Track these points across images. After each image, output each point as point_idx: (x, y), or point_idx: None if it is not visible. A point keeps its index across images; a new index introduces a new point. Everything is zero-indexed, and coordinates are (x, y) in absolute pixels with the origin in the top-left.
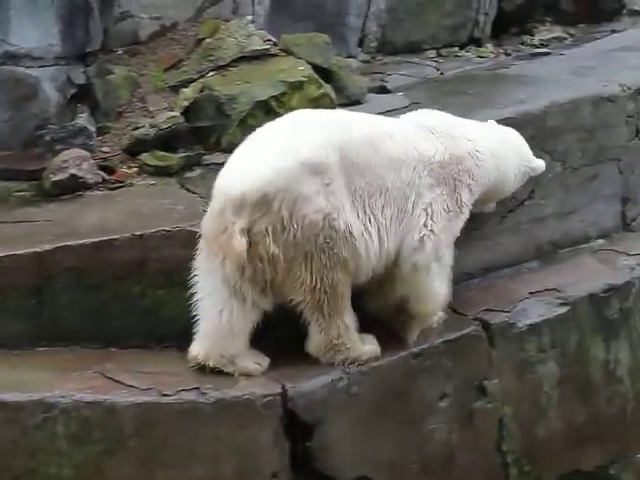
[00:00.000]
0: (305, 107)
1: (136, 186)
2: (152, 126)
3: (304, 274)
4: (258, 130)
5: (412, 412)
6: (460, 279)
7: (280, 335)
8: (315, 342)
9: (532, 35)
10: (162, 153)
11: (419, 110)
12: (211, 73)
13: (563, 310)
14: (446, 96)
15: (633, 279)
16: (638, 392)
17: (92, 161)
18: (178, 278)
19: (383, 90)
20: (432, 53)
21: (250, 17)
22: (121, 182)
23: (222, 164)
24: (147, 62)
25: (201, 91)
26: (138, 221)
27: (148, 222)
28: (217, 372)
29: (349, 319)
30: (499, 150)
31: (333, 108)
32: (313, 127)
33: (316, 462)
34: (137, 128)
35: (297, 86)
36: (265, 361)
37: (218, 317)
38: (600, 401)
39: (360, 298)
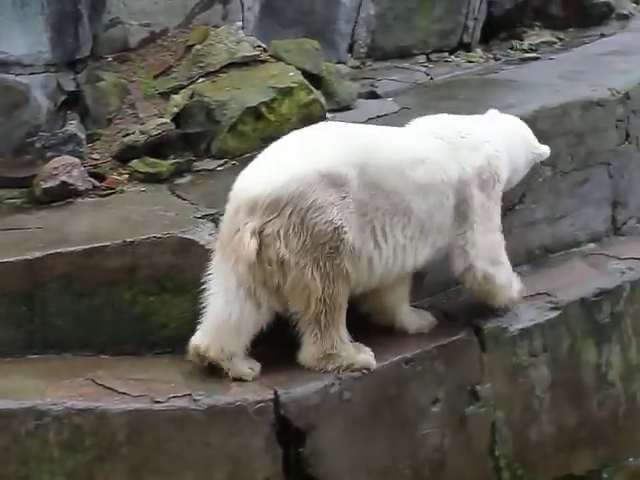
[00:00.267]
0: (295, 113)
1: (126, 193)
2: (142, 133)
3: (310, 282)
4: (286, 136)
5: (404, 417)
6: (452, 284)
7: (272, 341)
8: (309, 352)
9: (521, 40)
10: (152, 160)
11: (436, 116)
12: (201, 79)
13: (554, 314)
14: (436, 101)
15: (624, 283)
16: (630, 396)
17: (82, 168)
18: (169, 285)
19: (373, 95)
20: (422, 58)
21: (240, 23)
22: (111, 189)
23: (212, 170)
24: (137, 69)
25: (191, 97)
26: (129, 228)
27: (139, 229)
28: (209, 377)
29: (343, 331)
30: (511, 143)
31: (323, 114)
32: (340, 141)
33: (309, 468)
34: (127, 135)
35: (287, 92)
36: (257, 367)
37: (228, 314)
38: (592, 405)
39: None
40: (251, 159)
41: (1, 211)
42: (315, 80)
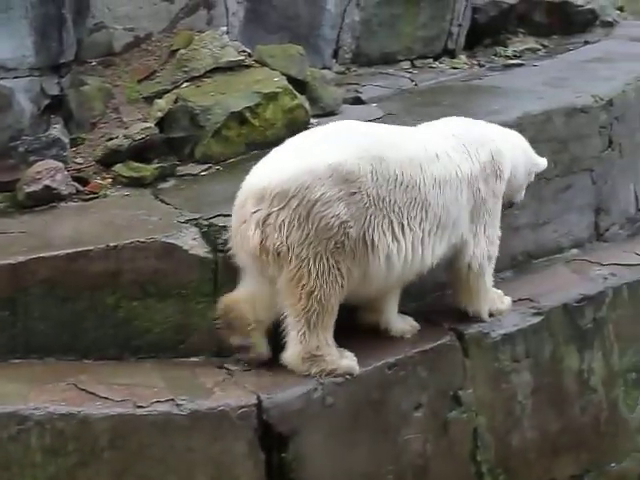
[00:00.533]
0: (279, 118)
1: (110, 197)
2: (126, 137)
3: (307, 276)
4: (301, 133)
5: (387, 422)
6: (435, 290)
7: None
8: (294, 352)
9: (505, 46)
10: (136, 164)
11: (450, 118)
12: (185, 84)
13: (537, 320)
14: (420, 107)
15: (606, 289)
16: (612, 401)
17: (66, 172)
18: (152, 289)
19: (358, 101)
20: (406, 64)
21: (224, 28)
22: (95, 193)
23: (196, 175)
24: (121, 73)
25: (175, 102)
26: (112, 232)
27: (122, 233)
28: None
29: (330, 335)
30: (512, 147)
31: (308, 119)
32: (354, 137)
33: (291, 473)
34: (111, 139)
35: (272, 97)
36: (264, 346)
37: (252, 289)
38: (574, 411)
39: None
40: (235, 164)
41: None
42: (300, 85)
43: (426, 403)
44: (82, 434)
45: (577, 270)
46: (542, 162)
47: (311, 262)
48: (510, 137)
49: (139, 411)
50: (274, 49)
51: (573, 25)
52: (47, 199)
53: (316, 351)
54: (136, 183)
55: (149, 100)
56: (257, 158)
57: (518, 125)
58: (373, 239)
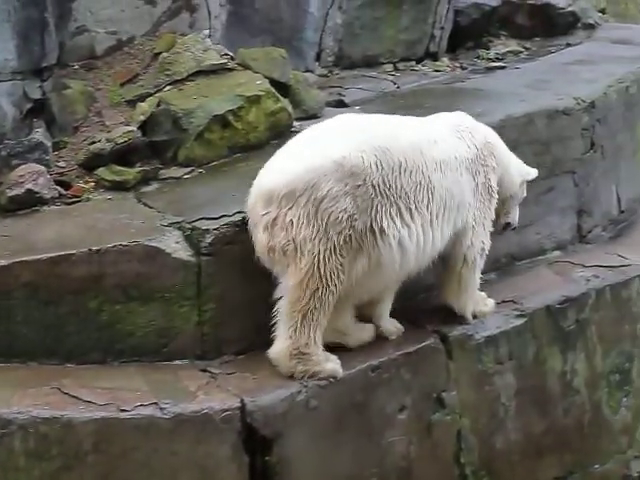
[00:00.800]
0: (262, 121)
1: (93, 201)
2: (108, 140)
3: (315, 274)
4: (305, 130)
5: (371, 425)
6: (419, 292)
7: (238, 350)
8: (282, 347)
9: (488, 49)
10: (119, 168)
11: (442, 113)
12: (168, 87)
13: (520, 322)
14: (403, 110)
15: (589, 291)
16: (595, 403)
17: (48, 176)
18: (135, 293)
19: (340, 104)
20: (389, 67)
21: (207, 31)
22: (78, 197)
23: (179, 178)
24: (103, 76)
25: (158, 105)
26: (95, 236)
27: (105, 237)
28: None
29: (320, 335)
30: (498, 144)
31: (290, 122)
32: (357, 129)
33: (275, 476)
34: (93, 143)
35: (254, 100)
36: None
37: None
38: (557, 412)
39: None
40: (218, 167)
41: None
42: (282, 88)
43: (410, 405)
44: (66, 438)
45: (560, 272)
46: (532, 171)
47: (320, 258)
48: (501, 140)
49: (122, 415)
50: (257, 52)
51: (555, 27)
52: (30, 203)
53: (305, 348)
54: (119, 187)
55: (132, 103)
56: (240, 161)
57: (501, 127)
58: (382, 227)
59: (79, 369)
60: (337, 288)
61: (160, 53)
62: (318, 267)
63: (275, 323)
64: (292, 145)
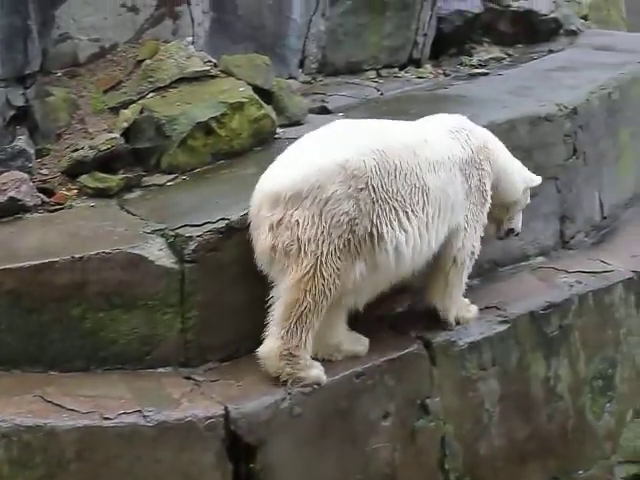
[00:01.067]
0: (245, 128)
1: (76, 208)
2: (91, 148)
3: (314, 275)
4: (303, 136)
5: (355, 432)
6: (402, 298)
7: (222, 357)
8: (273, 346)
9: (470, 56)
10: (102, 175)
11: (443, 114)
12: (151, 94)
13: (503, 327)
14: (386, 116)
15: (572, 296)
16: (578, 408)
17: (31, 183)
18: (118, 300)
19: (324, 111)
20: (372, 74)
21: (190, 38)
22: (61, 204)
23: (162, 185)
24: (86, 84)
25: (141, 112)
26: (78, 243)
27: (88, 244)
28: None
29: (311, 338)
30: (498, 150)
31: (274, 129)
32: (355, 134)
33: None
34: (76, 150)
35: (237, 107)
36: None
37: None
38: (541, 418)
39: None
40: (201, 174)
41: None
42: (266, 95)
43: (394, 412)
44: (49, 446)
45: (543, 278)
46: (537, 178)
47: (322, 260)
48: (501, 143)
49: (106, 423)
50: (240, 59)
51: (537, 34)
52: (12, 210)
53: (295, 350)
54: (102, 194)
55: (115, 111)
56: (223, 168)
57: None
58: (381, 233)
59: (62, 377)
60: (332, 293)
61: (143, 60)
62: (319, 269)
63: (265, 325)
64: (293, 150)
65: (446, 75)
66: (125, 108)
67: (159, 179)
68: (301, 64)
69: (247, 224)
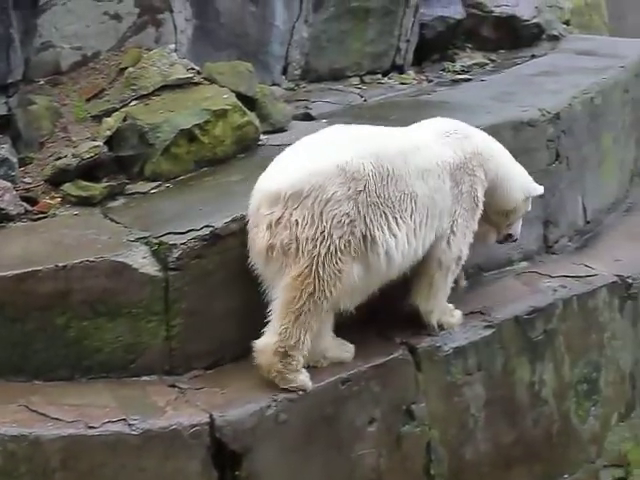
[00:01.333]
0: (229, 135)
1: (59, 216)
2: (75, 156)
3: (314, 275)
4: (300, 140)
5: (341, 438)
6: (387, 303)
7: (207, 364)
8: (270, 341)
9: (453, 62)
10: (85, 183)
11: (436, 118)
12: (134, 102)
13: (488, 332)
14: (370, 122)
15: (556, 301)
16: (563, 413)
17: (14, 192)
18: (102, 309)
19: (307, 117)
20: (355, 80)
21: (173, 46)
22: (44, 213)
23: (146, 193)
24: (69, 92)
25: (124, 120)
26: (61, 252)
27: (71, 253)
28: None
29: (309, 340)
30: (496, 157)
31: (257, 136)
32: (352, 138)
33: None
34: (59, 158)
35: (221, 114)
36: None
37: None
38: (526, 423)
39: None
40: (185, 181)
41: None
42: (249, 102)
43: (379, 418)
44: (34, 455)
45: (527, 282)
46: (539, 188)
47: (320, 260)
48: (503, 149)
49: (90, 431)
50: (223, 66)
51: (520, 39)
52: None
53: (291, 350)
54: (85, 202)
55: (98, 119)
56: (207, 175)
57: None
58: (374, 236)
59: (47, 386)
60: (332, 294)
61: (126, 68)
62: (317, 269)
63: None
64: (292, 152)
65: (429, 81)
66: (108, 116)
67: (143, 187)
68: (284, 71)
69: (243, 225)
